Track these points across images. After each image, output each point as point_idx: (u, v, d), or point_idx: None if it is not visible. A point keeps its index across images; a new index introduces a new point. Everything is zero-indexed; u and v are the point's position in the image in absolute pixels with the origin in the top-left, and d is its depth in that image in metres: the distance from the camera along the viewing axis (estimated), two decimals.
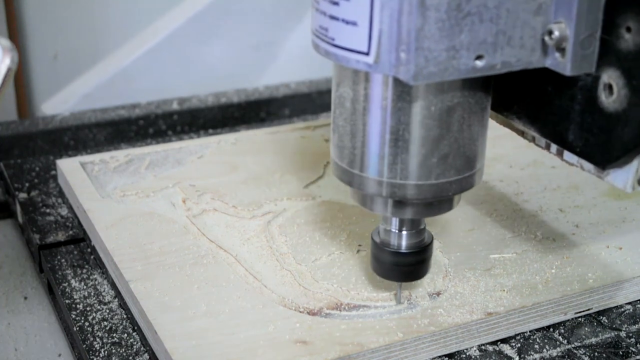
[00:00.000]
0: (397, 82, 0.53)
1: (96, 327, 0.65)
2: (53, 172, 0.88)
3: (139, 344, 0.64)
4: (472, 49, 0.51)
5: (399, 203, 0.58)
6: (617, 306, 0.69)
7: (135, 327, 0.65)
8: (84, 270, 0.73)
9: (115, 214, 0.76)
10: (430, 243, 0.62)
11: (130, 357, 0.63)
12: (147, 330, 0.63)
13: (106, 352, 0.63)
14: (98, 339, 0.64)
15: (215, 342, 0.60)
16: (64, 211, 0.81)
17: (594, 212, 0.78)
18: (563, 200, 0.80)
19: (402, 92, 0.54)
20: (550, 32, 0.52)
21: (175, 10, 1.13)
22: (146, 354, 0.63)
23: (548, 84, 0.56)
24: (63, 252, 0.75)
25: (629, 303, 0.69)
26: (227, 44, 1.13)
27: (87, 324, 0.66)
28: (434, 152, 0.56)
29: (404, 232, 0.61)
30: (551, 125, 0.56)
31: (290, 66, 1.17)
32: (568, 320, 0.67)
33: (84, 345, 0.63)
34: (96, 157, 0.85)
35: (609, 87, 0.51)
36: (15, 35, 1.29)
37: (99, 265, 0.73)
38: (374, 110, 0.55)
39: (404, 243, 0.61)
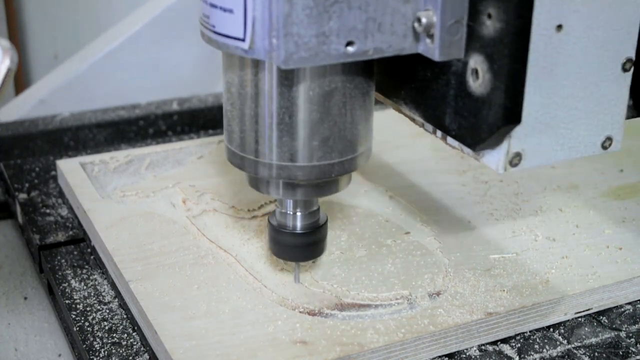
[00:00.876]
0: (274, 67, 0.55)
1: (96, 327, 0.65)
2: (53, 173, 0.88)
3: (139, 344, 0.64)
4: (342, 35, 0.52)
5: (288, 185, 0.61)
6: (617, 306, 0.69)
7: (135, 327, 0.65)
8: (84, 271, 0.73)
9: (115, 214, 0.76)
10: (325, 223, 0.65)
11: (130, 357, 0.63)
12: (147, 330, 0.63)
13: (106, 352, 0.63)
14: (98, 339, 0.64)
15: (215, 342, 0.60)
16: (64, 211, 0.81)
17: (594, 212, 0.78)
18: (563, 200, 0.80)
19: (281, 77, 0.56)
20: (419, 19, 0.53)
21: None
22: (146, 354, 0.63)
23: (427, 69, 0.57)
24: (63, 253, 0.75)
25: (629, 303, 0.69)
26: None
27: (87, 324, 0.66)
28: (315, 135, 0.58)
29: (298, 214, 0.63)
30: (431, 110, 0.58)
31: None
32: (568, 320, 0.67)
33: (84, 346, 0.63)
34: (96, 158, 0.85)
35: (475, 72, 0.53)
36: (16, 35, 1.29)
37: (99, 265, 0.73)
38: (256, 95, 0.57)
39: (298, 224, 0.64)
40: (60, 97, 1.05)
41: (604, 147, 0.58)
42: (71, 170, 0.83)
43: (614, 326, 0.67)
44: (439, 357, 0.63)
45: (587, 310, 0.67)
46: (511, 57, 0.50)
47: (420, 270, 0.69)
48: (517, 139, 0.54)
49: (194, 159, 0.86)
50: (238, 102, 0.58)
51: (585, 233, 0.75)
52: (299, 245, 0.64)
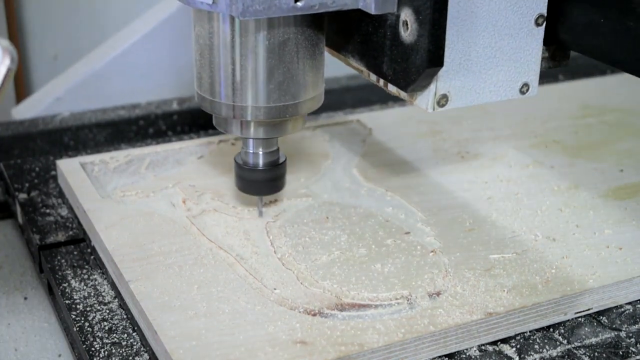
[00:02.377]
0: (235, 20, 0.63)
1: (96, 328, 0.65)
2: (53, 173, 0.88)
3: (139, 344, 0.64)
4: None
5: (248, 124, 0.69)
6: (617, 306, 0.69)
7: (135, 328, 0.65)
8: (84, 271, 0.73)
9: (115, 214, 0.76)
10: (284, 162, 0.74)
11: (130, 358, 0.63)
12: (147, 330, 0.63)
13: (106, 352, 0.63)
14: (98, 339, 0.64)
15: (215, 342, 0.60)
16: (64, 211, 0.81)
17: (594, 212, 0.78)
18: (563, 200, 0.80)
19: (241, 28, 0.64)
20: None
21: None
22: (146, 354, 0.63)
23: (369, 25, 0.65)
24: (63, 253, 0.75)
25: (629, 303, 0.69)
26: None
27: (87, 324, 0.66)
28: (271, 80, 0.66)
29: (260, 152, 0.72)
30: (373, 60, 0.66)
31: None
32: (568, 320, 0.67)
33: (84, 346, 0.63)
34: (96, 158, 0.85)
35: (405, 23, 0.60)
36: (16, 35, 1.29)
37: (99, 265, 0.73)
38: (220, 44, 0.65)
39: (260, 161, 0.72)
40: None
41: (522, 92, 0.66)
42: (71, 170, 0.83)
43: (614, 326, 0.67)
44: (439, 357, 0.63)
45: (587, 310, 0.67)
46: (432, 8, 0.57)
47: (420, 271, 0.69)
48: (443, 81, 0.62)
49: (194, 159, 0.86)
50: (206, 52, 0.66)
51: (585, 233, 0.75)
52: (261, 180, 0.73)
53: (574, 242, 0.73)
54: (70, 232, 0.78)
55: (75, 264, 0.74)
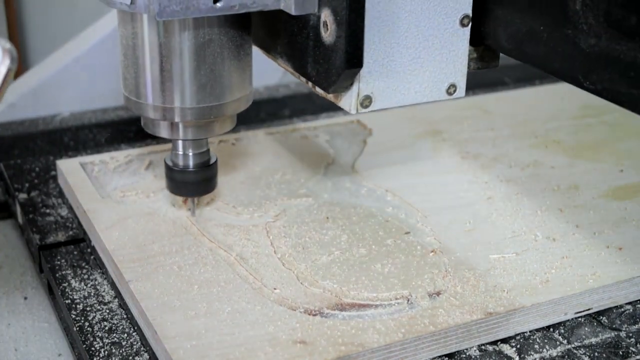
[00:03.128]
0: (155, 21, 0.63)
1: (96, 327, 0.65)
2: (53, 173, 0.88)
3: (139, 344, 0.64)
4: None
5: (174, 126, 0.69)
6: (617, 306, 0.69)
7: (135, 327, 0.65)
8: (84, 271, 0.73)
9: (115, 214, 0.76)
10: (215, 162, 0.73)
11: (130, 357, 0.63)
12: (147, 330, 0.63)
13: (106, 352, 0.63)
14: (98, 339, 0.64)
15: (215, 342, 0.60)
16: (64, 211, 0.81)
17: (594, 213, 0.78)
18: (563, 201, 0.80)
19: (162, 29, 0.64)
20: None
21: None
22: (146, 354, 0.63)
23: (293, 25, 0.64)
24: (63, 253, 0.75)
25: (629, 303, 0.69)
26: None
27: (87, 324, 0.66)
28: (194, 81, 0.66)
29: (190, 153, 0.72)
30: (298, 61, 0.65)
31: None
32: (568, 320, 0.67)
33: (84, 346, 0.63)
34: (96, 158, 0.85)
35: (325, 24, 0.60)
36: (16, 35, 1.29)
37: (99, 265, 0.73)
38: (141, 45, 0.65)
39: (190, 163, 0.72)
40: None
41: (449, 93, 0.65)
42: (71, 170, 0.83)
43: (614, 326, 0.67)
44: (439, 357, 0.63)
45: (587, 310, 0.67)
46: (349, 9, 0.57)
47: (420, 270, 0.69)
48: (365, 82, 0.62)
49: None
50: (129, 52, 0.66)
51: (585, 233, 0.75)
52: (192, 182, 0.73)
53: (574, 242, 0.73)
54: (70, 232, 0.78)
55: (75, 264, 0.74)
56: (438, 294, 0.66)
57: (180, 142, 0.71)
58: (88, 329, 0.65)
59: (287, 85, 1.13)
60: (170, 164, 0.73)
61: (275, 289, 0.66)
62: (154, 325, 0.61)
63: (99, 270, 0.73)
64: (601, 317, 0.68)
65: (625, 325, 0.67)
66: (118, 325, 0.66)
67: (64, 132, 1.00)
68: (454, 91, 0.66)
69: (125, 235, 0.73)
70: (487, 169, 0.86)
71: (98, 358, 0.62)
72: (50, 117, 1.01)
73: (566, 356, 0.63)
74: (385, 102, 0.63)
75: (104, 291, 0.70)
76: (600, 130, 0.95)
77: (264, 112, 1.07)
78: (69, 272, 0.72)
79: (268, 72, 1.12)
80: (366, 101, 0.62)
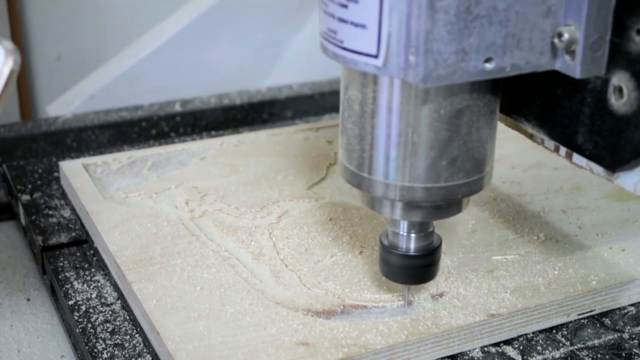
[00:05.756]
0: (405, 84, 0.53)
1: (99, 329, 0.65)
2: (56, 174, 0.88)
3: (142, 345, 0.64)
4: (482, 51, 0.50)
5: (408, 206, 0.58)
6: (620, 308, 0.69)
7: (138, 329, 0.65)
8: (87, 272, 0.73)
9: (118, 215, 0.76)
10: (439, 246, 0.62)
11: (133, 359, 0.63)
12: (149, 331, 0.63)
13: (109, 353, 0.63)
14: (101, 341, 0.64)
15: (217, 343, 0.60)
16: (66, 213, 0.81)
17: (597, 214, 0.78)
18: (566, 202, 0.80)
19: (411, 94, 0.53)
20: (560, 35, 0.51)
21: (179, 13, 1.13)
22: (149, 356, 0.63)
23: (557, 86, 0.55)
24: (66, 254, 0.75)
25: (632, 305, 0.69)
26: (229, 46, 1.13)
27: (89, 325, 0.66)
28: (443, 155, 0.55)
29: (413, 235, 0.61)
30: (560, 128, 0.56)
31: (293, 68, 1.17)
32: (571, 321, 0.67)
33: (87, 347, 0.63)
34: (99, 159, 0.85)
35: (619, 90, 0.51)
36: (18, 36, 1.29)
37: (102, 266, 0.73)
38: (382, 113, 0.55)
39: (412, 246, 0.61)
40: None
41: None
42: (74, 171, 0.83)
43: (616, 328, 0.67)
44: (442, 358, 0.63)
45: (590, 311, 0.67)
46: None
47: None
48: None
49: (197, 160, 0.86)
50: (361, 120, 0.56)
51: (588, 234, 0.75)
52: (411, 267, 0.62)
53: (576, 244, 0.73)
54: (73, 234, 0.78)
55: (78, 266, 0.74)
56: (441, 295, 0.66)
57: (404, 222, 0.61)
58: (91, 330, 0.65)
59: (289, 86, 1.13)
60: (386, 243, 0.62)
61: (277, 290, 0.66)
62: (156, 327, 0.61)
63: (101, 272, 0.73)
64: (604, 319, 0.68)
65: (628, 327, 0.67)
66: (121, 326, 0.66)
67: (67, 133, 1.00)
68: None
69: (128, 236, 0.73)
70: None
71: (101, 359, 0.62)
72: (52, 118, 1.02)
73: (569, 358, 0.63)
74: None
75: (106, 293, 0.70)
76: None
77: (267, 113, 1.07)
78: (71, 273, 0.72)
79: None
80: None
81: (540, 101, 0.57)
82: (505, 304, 0.65)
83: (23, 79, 1.35)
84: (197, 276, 0.68)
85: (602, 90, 0.52)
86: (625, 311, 0.69)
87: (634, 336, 0.66)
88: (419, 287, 0.66)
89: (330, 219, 0.76)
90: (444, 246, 0.72)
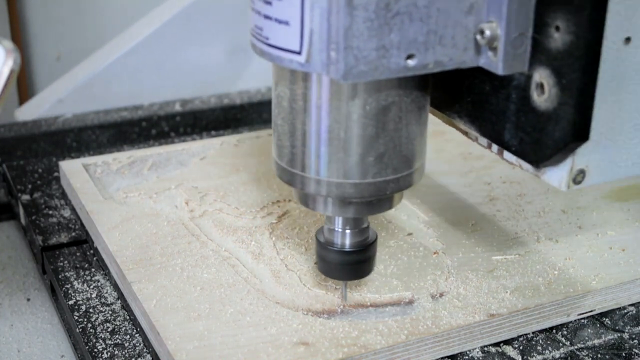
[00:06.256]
0: (331, 81, 0.54)
1: (99, 329, 0.65)
2: (56, 174, 0.88)
3: (142, 345, 0.64)
4: (403, 48, 0.51)
5: (340, 202, 0.59)
6: (620, 308, 0.69)
7: (138, 329, 0.65)
8: (87, 272, 0.73)
9: (118, 215, 0.76)
10: (375, 241, 0.62)
11: (133, 359, 0.63)
12: (149, 331, 0.63)
13: (109, 353, 0.63)
14: (101, 341, 0.64)
15: (217, 343, 0.60)
16: (66, 213, 0.81)
17: (597, 214, 0.78)
18: (566, 202, 0.80)
19: (337, 91, 0.54)
20: (482, 32, 0.52)
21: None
22: (149, 356, 0.63)
23: (485, 83, 0.55)
24: (66, 254, 0.75)
25: (632, 305, 0.69)
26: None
27: (89, 325, 0.66)
28: (370, 151, 0.56)
29: (348, 231, 0.61)
30: (489, 125, 0.56)
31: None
32: (571, 321, 0.67)
33: (87, 347, 0.63)
34: (99, 159, 0.85)
35: (541, 86, 0.51)
36: (18, 36, 1.29)
37: (102, 266, 0.73)
38: (309, 109, 0.55)
39: (347, 242, 0.61)
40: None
41: None
42: (74, 171, 0.83)
43: (617, 328, 0.67)
44: (442, 358, 0.63)
45: (590, 311, 0.67)
46: (581, 71, 0.48)
47: (423, 272, 0.69)
48: (582, 155, 0.52)
49: (197, 160, 0.86)
50: (290, 116, 0.57)
51: (588, 234, 0.75)
52: (347, 263, 0.62)
53: (576, 244, 0.73)
54: (73, 234, 0.78)
55: (78, 265, 0.74)
56: (441, 295, 0.66)
57: (338, 219, 0.61)
58: (91, 330, 0.65)
59: None
60: (322, 240, 0.62)
61: (277, 290, 0.66)
62: (156, 327, 0.61)
63: (101, 272, 0.73)
64: (604, 319, 0.68)
65: (628, 327, 0.67)
66: (121, 326, 0.66)
67: (67, 133, 1.00)
68: None
69: (128, 236, 0.73)
70: (489, 169, 0.86)
71: (101, 359, 0.62)
72: (52, 118, 1.02)
73: (569, 358, 0.63)
74: (600, 176, 0.53)
75: (106, 292, 0.70)
76: None
77: (267, 113, 1.07)
78: (71, 273, 0.72)
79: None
80: (579, 176, 0.53)
81: (471, 98, 0.57)
82: (505, 303, 0.65)
83: (23, 79, 1.35)
84: (197, 276, 0.68)
85: (526, 87, 0.52)
86: (626, 311, 0.69)
87: (634, 336, 0.66)
88: (419, 287, 0.66)
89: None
90: (444, 246, 0.72)
